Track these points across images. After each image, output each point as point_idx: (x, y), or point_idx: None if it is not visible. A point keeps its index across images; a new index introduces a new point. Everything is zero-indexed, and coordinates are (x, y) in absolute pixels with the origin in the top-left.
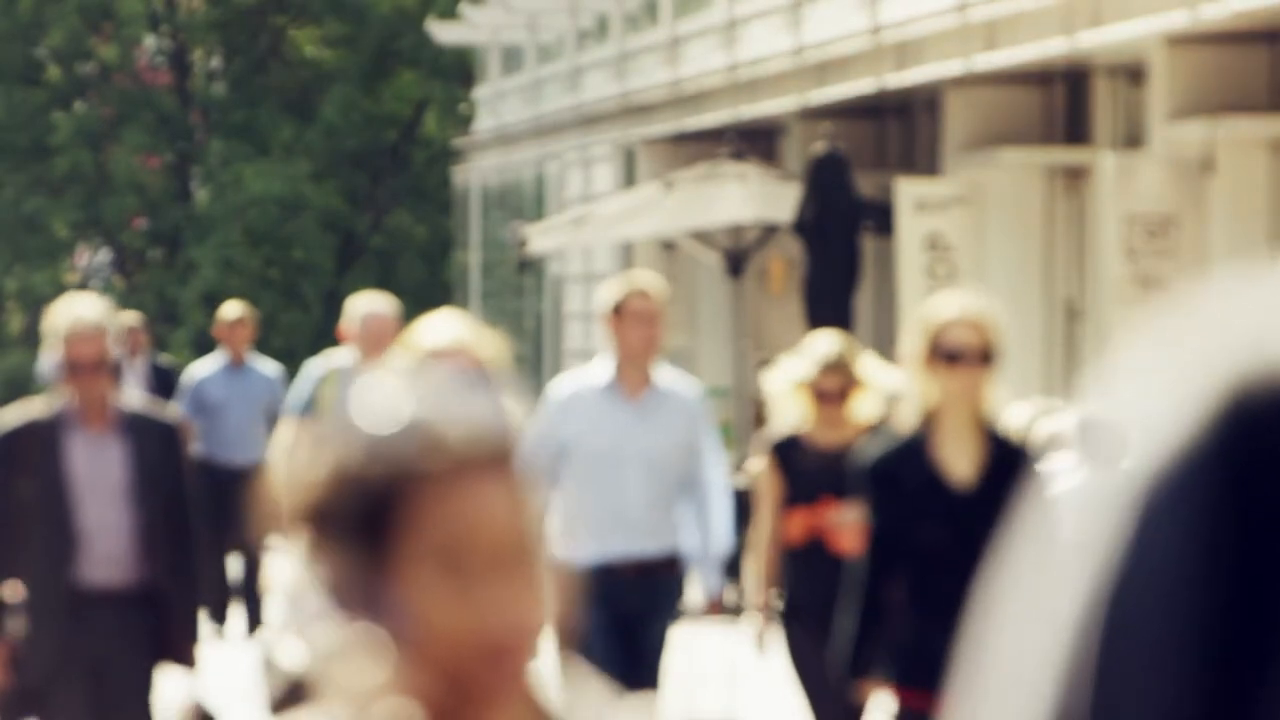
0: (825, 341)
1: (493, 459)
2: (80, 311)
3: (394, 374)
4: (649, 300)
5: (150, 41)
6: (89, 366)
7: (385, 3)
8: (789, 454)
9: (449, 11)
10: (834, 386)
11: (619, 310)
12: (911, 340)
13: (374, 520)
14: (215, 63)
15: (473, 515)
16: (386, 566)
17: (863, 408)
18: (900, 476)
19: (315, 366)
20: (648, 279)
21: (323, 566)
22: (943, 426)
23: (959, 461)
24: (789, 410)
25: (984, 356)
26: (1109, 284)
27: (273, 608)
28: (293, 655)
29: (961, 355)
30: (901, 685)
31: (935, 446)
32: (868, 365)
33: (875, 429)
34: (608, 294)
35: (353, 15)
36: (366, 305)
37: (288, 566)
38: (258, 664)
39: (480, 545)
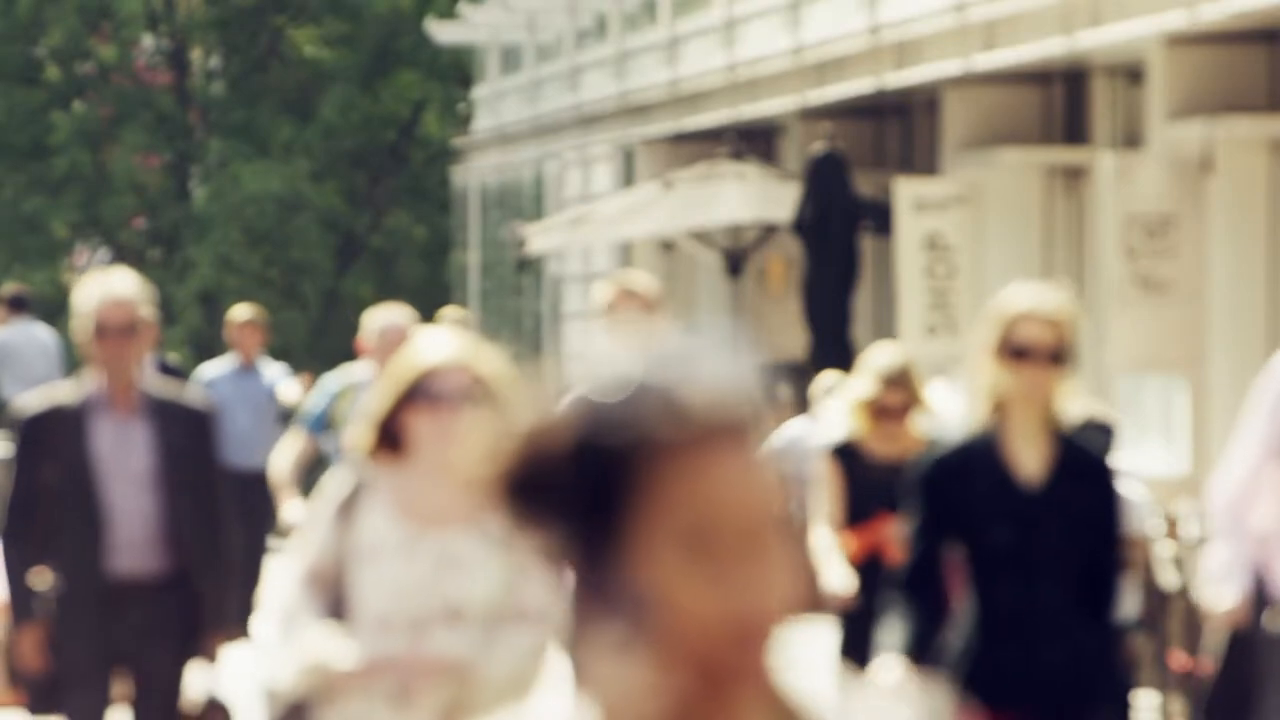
0: (886, 355)
1: (737, 427)
2: (112, 281)
3: (623, 336)
4: (637, 299)
5: (149, 41)
6: (118, 331)
7: (383, 2)
8: (849, 461)
9: (448, 11)
10: (896, 402)
11: (609, 311)
12: (982, 331)
13: (610, 496)
14: (214, 62)
15: (721, 489)
16: (623, 547)
17: (921, 424)
18: (967, 473)
19: (331, 381)
20: (637, 277)
21: (542, 549)
22: (1011, 423)
23: (1028, 460)
24: (846, 422)
25: (1055, 355)
26: (1108, 284)
27: (267, 625)
28: (290, 676)
29: (1030, 352)
30: (965, 700)
31: (1003, 443)
32: (927, 383)
33: (932, 442)
34: (599, 294)
35: (351, 15)
36: (384, 317)
37: (284, 583)
38: (258, 686)
39: (729, 522)
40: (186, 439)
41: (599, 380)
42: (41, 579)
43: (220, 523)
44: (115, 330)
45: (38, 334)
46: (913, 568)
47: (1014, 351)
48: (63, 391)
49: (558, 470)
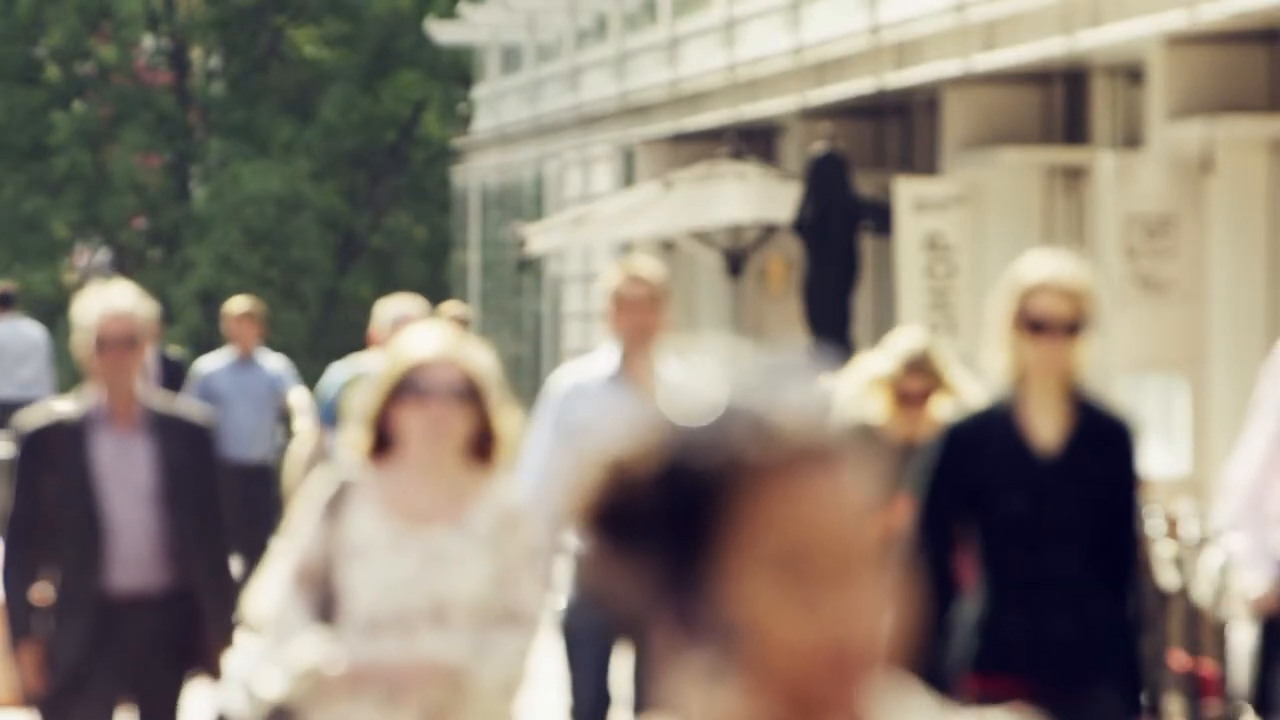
0: (909, 338)
1: (829, 450)
2: (112, 295)
3: (705, 358)
4: (643, 286)
5: (149, 41)
6: (117, 344)
7: (383, 2)
8: (864, 443)
9: (448, 11)
10: (917, 388)
11: (614, 298)
12: (999, 302)
13: (699, 522)
14: (214, 62)
15: (814, 513)
16: (713, 573)
17: (943, 408)
18: (982, 441)
19: (340, 371)
20: (643, 265)
21: (624, 575)
22: (1029, 392)
23: (1044, 429)
24: (863, 403)
25: (1071, 327)
26: (1108, 284)
27: (251, 631)
28: (272, 683)
29: (1046, 325)
30: (975, 670)
31: (1021, 413)
32: (952, 365)
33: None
34: (605, 282)
35: (351, 15)
36: (397, 308)
37: (268, 588)
38: (238, 691)
39: (822, 547)
40: (187, 453)
41: (685, 404)
42: (42, 595)
43: (222, 537)
44: (115, 344)
45: (26, 331)
46: (922, 540)
47: (1031, 324)
48: (64, 406)
49: (646, 497)
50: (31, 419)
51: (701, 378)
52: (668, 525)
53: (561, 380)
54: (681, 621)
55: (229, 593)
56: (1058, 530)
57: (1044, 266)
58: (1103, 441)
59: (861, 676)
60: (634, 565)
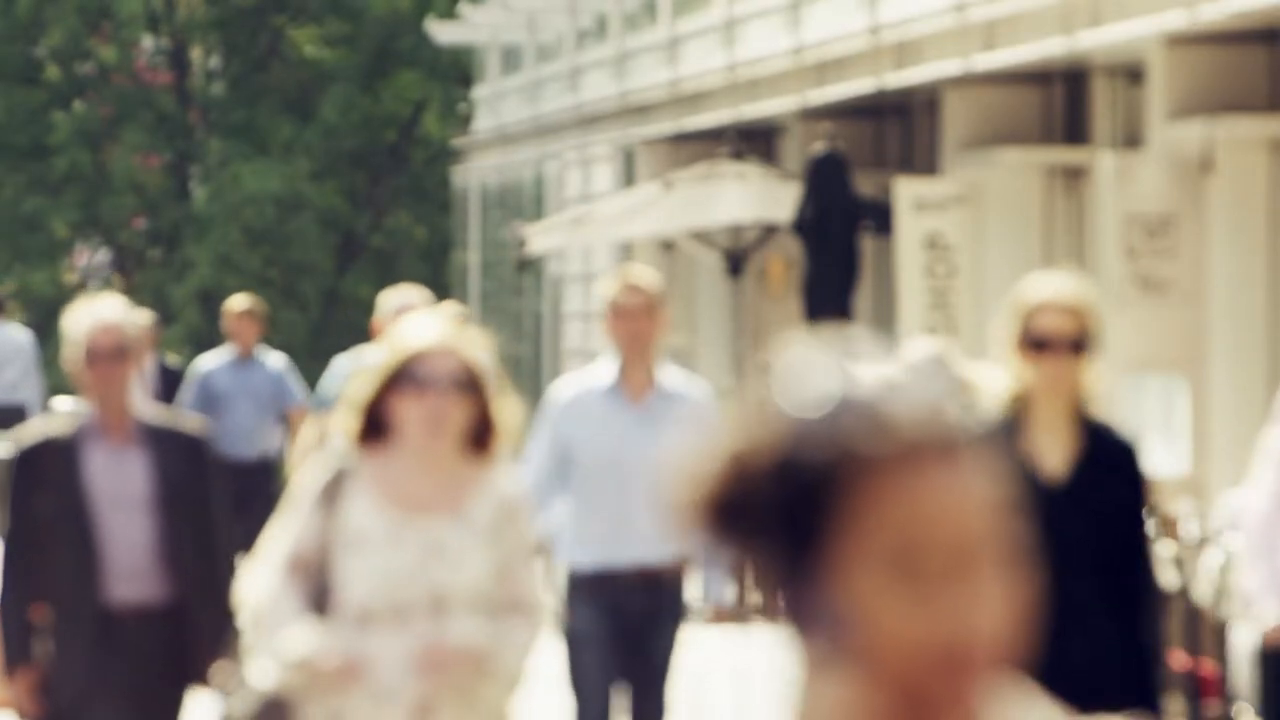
0: (920, 348)
1: (948, 443)
2: (100, 307)
3: (821, 349)
4: (639, 295)
5: (149, 41)
6: (107, 355)
7: (383, 2)
8: None
9: (448, 11)
10: None
11: (611, 307)
12: (1002, 323)
13: (814, 513)
14: (214, 62)
15: (930, 506)
16: (825, 567)
17: None
18: None
19: (343, 362)
20: (640, 273)
21: (738, 568)
22: (1034, 415)
23: (1050, 452)
24: None
25: (1076, 345)
26: (1108, 284)
27: (243, 622)
28: (264, 673)
29: (1050, 343)
30: None
31: (1026, 436)
32: (969, 368)
33: None
34: (602, 288)
35: (351, 15)
36: (400, 299)
37: (260, 576)
38: (226, 684)
39: (938, 541)
40: (183, 464)
41: (801, 396)
42: (40, 615)
43: (218, 548)
44: (105, 356)
45: (11, 334)
46: None
47: (1034, 343)
48: (57, 421)
49: (761, 489)
50: (24, 437)
51: (817, 369)
52: (782, 517)
53: (560, 392)
54: (796, 613)
55: (224, 605)
56: (1067, 555)
57: (1046, 285)
58: (1110, 465)
59: (976, 674)
60: (749, 557)
